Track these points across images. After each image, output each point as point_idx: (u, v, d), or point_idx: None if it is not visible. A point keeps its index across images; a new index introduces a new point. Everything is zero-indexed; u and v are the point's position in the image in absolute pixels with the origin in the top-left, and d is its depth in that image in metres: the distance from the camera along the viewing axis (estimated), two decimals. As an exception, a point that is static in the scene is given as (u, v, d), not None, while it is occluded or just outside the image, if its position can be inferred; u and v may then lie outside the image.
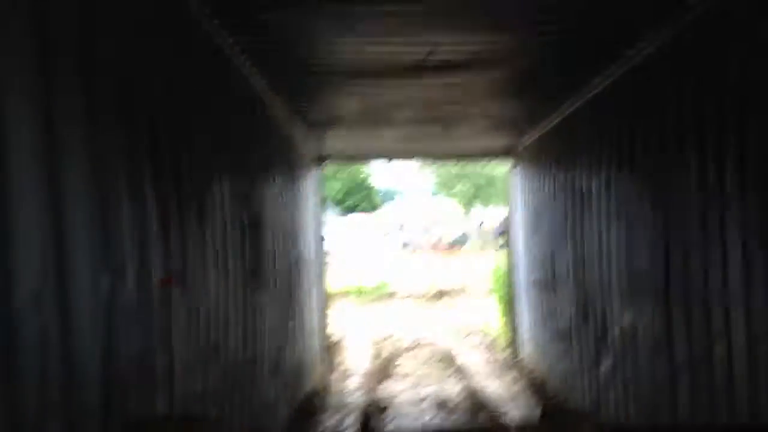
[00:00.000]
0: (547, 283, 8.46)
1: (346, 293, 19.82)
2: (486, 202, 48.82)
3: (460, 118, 8.11)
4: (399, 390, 9.76)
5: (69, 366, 2.32)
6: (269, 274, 6.42)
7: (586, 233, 6.64)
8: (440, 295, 19.14)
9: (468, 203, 49.16)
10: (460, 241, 42.61)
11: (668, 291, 4.71)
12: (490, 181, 46.31)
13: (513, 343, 11.00)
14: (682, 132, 4.42)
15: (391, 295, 19.61)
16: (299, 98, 6.96)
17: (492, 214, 54.22)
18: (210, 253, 4.39)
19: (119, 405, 2.72)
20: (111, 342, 2.66)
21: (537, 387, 8.98)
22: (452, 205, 54.06)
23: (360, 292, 19.85)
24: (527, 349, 10.18)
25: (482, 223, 53.79)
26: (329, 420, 8.35)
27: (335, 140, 9.70)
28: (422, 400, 9.28)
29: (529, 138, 9.30)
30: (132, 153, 3.00)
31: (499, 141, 10.15)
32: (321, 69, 5.78)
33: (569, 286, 7.42)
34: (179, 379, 3.55)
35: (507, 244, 11.56)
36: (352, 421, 8.33)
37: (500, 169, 43.80)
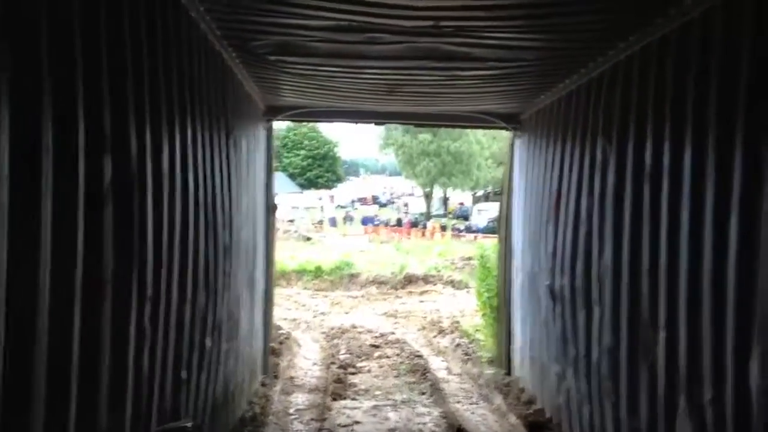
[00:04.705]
0: (571, 293, 6.04)
1: (302, 272, 17.23)
2: (450, 182, 46.52)
3: (462, 56, 5.46)
4: (357, 415, 7.29)
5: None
6: (173, 272, 3.89)
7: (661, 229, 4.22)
8: (408, 280, 16.47)
9: (431, 182, 46.74)
10: (421, 221, 40.31)
11: None
12: (457, 158, 43.88)
13: (502, 357, 8.59)
14: None
15: (354, 276, 16.93)
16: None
17: (455, 195, 52.26)
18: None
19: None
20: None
21: (540, 424, 6.63)
22: (414, 185, 51.79)
23: (318, 272, 17.21)
24: (524, 370, 7.72)
25: (446, 202, 51.62)
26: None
27: (292, 88, 7.08)
28: (388, 433, 6.84)
29: (550, 97, 6.86)
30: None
31: (504, 101, 7.62)
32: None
33: (614, 303, 5.03)
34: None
35: (500, 234, 9.12)
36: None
37: (469, 145, 41.82)
